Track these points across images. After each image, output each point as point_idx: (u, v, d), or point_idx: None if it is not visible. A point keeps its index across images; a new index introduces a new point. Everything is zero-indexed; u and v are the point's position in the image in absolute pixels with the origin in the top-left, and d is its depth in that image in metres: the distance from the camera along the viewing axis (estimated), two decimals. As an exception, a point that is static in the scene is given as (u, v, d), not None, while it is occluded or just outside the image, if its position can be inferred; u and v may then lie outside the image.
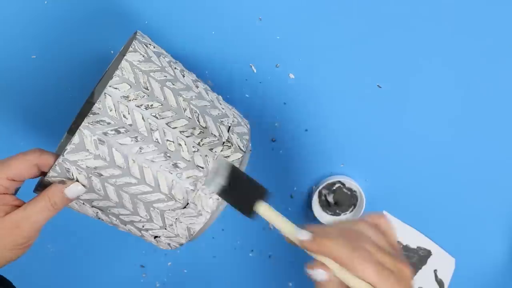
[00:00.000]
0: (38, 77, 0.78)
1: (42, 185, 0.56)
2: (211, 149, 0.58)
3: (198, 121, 0.58)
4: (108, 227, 0.63)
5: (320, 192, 0.79)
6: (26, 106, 0.78)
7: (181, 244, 0.62)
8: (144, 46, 0.59)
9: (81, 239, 0.82)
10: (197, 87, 0.61)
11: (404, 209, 0.80)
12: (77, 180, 0.55)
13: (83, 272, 0.84)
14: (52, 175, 0.54)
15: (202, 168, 0.58)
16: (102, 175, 0.55)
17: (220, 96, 0.65)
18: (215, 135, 0.59)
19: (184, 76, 0.61)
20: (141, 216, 0.59)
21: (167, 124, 0.56)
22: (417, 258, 0.81)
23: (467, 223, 0.79)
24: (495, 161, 0.77)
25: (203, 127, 0.58)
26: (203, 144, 0.58)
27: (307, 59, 0.76)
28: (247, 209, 0.52)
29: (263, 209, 0.52)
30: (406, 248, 0.80)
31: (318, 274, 0.49)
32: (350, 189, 0.78)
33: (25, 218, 0.54)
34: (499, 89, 0.76)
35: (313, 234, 0.50)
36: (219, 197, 0.55)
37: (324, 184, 0.77)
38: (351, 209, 0.79)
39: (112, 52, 0.77)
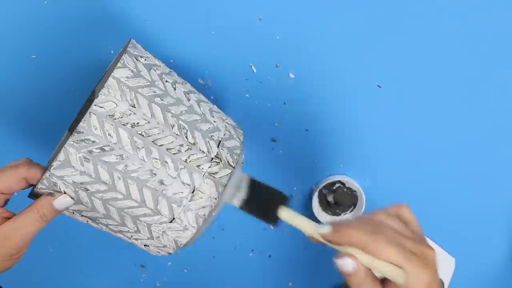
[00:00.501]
0: (38, 77, 0.78)
1: (33, 194, 0.57)
2: (198, 166, 0.58)
3: (186, 137, 0.58)
4: (108, 227, 0.63)
5: (320, 192, 0.79)
6: (27, 106, 0.78)
7: (170, 253, 0.63)
8: (134, 59, 0.58)
9: (81, 240, 0.82)
10: (188, 99, 0.60)
11: (404, 209, 0.80)
12: (65, 193, 0.56)
13: (83, 272, 0.84)
14: (40, 187, 0.55)
15: (189, 185, 0.58)
16: (88, 189, 0.56)
17: (214, 106, 0.65)
18: (203, 151, 0.58)
19: (175, 89, 0.60)
20: (128, 227, 0.59)
21: (153, 141, 0.56)
22: (417, 258, 0.81)
23: (467, 223, 0.79)
24: (495, 161, 0.77)
25: (191, 143, 0.58)
26: (190, 161, 0.58)
27: (307, 59, 0.76)
28: (270, 217, 0.53)
29: (284, 214, 0.53)
30: (406, 248, 0.80)
31: (345, 263, 0.49)
32: (350, 189, 0.78)
33: (15, 230, 0.55)
34: (500, 89, 0.76)
35: (334, 226, 0.51)
36: (242, 210, 0.55)
37: (324, 184, 0.77)
38: (351, 209, 0.79)
39: (112, 52, 0.77)
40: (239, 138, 0.63)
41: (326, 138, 0.78)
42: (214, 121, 0.61)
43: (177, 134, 0.57)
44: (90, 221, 0.60)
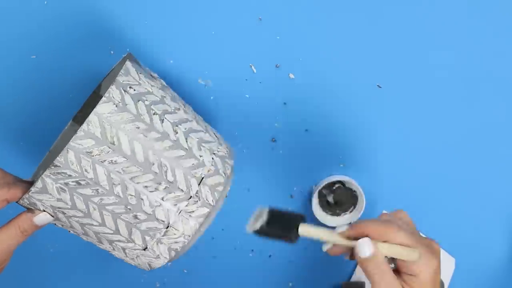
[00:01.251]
0: (38, 77, 0.78)
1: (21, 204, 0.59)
2: (175, 204, 0.58)
3: (166, 175, 0.57)
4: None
5: (320, 192, 0.79)
6: (27, 105, 0.78)
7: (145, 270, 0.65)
8: (122, 91, 0.57)
9: (81, 240, 0.82)
10: (176, 132, 0.59)
11: (404, 209, 0.79)
12: (44, 211, 0.57)
13: (83, 273, 0.84)
14: (22, 203, 0.57)
15: (163, 221, 0.58)
16: (65, 213, 0.57)
17: (207, 134, 0.63)
18: (182, 190, 0.58)
19: (163, 122, 0.58)
20: (106, 246, 0.61)
21: (130, 179, 0.56)
22: (417, 258, 0.80)
23: (467, 223, 0.79)
24: (495, 161, 0.77)
25: (170, 181, 0.58)
26: (167, 199, 0.58)
27: (307, 59, 0.76)
28: (291, 234, 0.55)
29: (304, 228, 0.54)
30: (406, 248, 0.80)
31: (365, 246, 0.52)
32: (350, 189, 0.78)
33: None
34: (500, 89, 0.76)
35: (350, 224, 0.55)
36: (263, 234, 0.56)
37: (324, 184, 0.77)
38: (351, 209, 0.79)
39: (112, 52, 0.77)
40: (224, 173, 0.62)
41: (326, 138, 0.78)
42: (200, 156, 0.60)
43: (156, 173, 0.57)
44: (72, 232, 0.61)
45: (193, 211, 0.59)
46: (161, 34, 0.76)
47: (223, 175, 0.62)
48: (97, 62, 0.77)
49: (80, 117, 0.73)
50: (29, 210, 0.57)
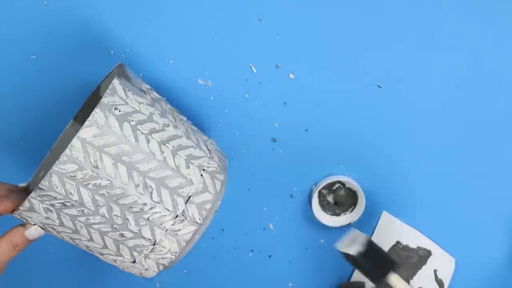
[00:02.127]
0: (38, 77, 0.78)
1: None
2: (161, 223, 0.59)
3: (151, 196, 0.57)
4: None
5: (320, 192, 0.79)
6: (27, 105, 0.78)
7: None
8: (107, 113, 0.56)
9: (81, 239, 0.82)
10: (162, 152, 0.58)
11: (404, 209, 0.80)
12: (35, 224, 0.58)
13: (83, 273, 0.84)
14: (15, 216, 0.58)
15: (149, 239, 0.59)
16: (55, 229, 0.58)
17: (197, 149, 0.62)
18: (167, 209, 0.58)
19: (149, 142, 0.58)
20: (98, 256, 0.62)
21: (115, 200, 0.56)
22: (417, 258, 0.80)
23: (467, 223, 0.79)
24: (495, 161, 0.77)
25: (155, 202, 0.58)
26: (152, 219, 0.58)
27: (307, 59, 0.76)
28: (378, 278, 0.54)
29: (393, 279, 0.56)
30: (406, 248, 0.80)
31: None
32: (350, 189, 0.79)
33: None
34: (500, 90, 0.76)
35: None
36: (353, 263, 0.57)
37: (324, 184, 0.77)
38: (351, 209, 0.79)
39: (112, 52, 0.77)
40: (214, 190, 0.62)
41: (326, 138, 0.78)
42: (188, 174, 0.60)
43: (141, 194, 0.57)
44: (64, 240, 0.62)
45: (179, 230, 0.60)
46: (161, 34, 0.76)
47: (212, 192, 0.62)
48: (97, 62, 0.76)
49: (81, 116, 0.73)
50: (21, 224, 0.58)
